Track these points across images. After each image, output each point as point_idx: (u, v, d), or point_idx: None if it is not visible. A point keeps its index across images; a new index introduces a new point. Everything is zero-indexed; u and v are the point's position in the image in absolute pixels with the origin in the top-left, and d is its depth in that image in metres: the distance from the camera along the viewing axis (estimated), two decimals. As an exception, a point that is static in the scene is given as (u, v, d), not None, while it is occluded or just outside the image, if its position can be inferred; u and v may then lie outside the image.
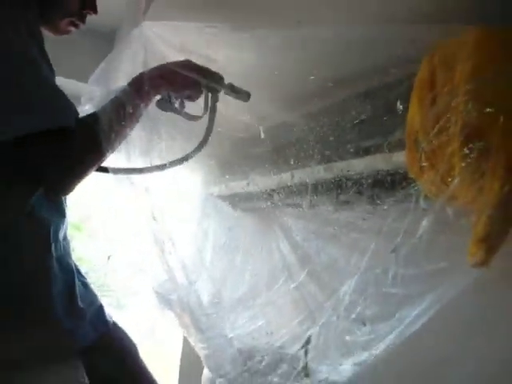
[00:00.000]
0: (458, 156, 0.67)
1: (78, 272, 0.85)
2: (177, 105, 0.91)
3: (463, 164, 0.67)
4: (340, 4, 0.87)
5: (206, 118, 0.94)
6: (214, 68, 0.96)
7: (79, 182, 0.72)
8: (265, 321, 0.95)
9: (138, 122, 0.81)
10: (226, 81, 0.94)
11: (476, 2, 0.83)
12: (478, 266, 0.73)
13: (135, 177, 0.88)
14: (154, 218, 0.92)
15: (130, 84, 0.81)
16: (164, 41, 0.97)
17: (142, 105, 0.80)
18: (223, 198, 1.47)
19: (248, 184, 1.30)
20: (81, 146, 0.70)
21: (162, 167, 0.87)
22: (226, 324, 0.93)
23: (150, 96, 0.83)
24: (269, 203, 1.27)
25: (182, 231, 1.07)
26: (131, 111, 0.77)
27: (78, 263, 0.89)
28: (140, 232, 0.95)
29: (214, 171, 1.49)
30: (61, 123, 0.67)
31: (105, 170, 0.81)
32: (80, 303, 0.78)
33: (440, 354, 0.95)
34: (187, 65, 0.87)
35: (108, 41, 1.59)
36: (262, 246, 1.29)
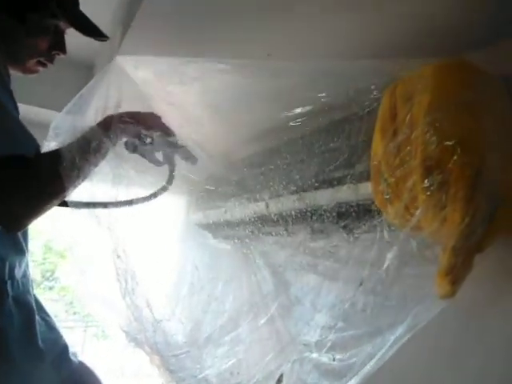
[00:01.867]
0: (420, 188, 0.68)
1: (42, 310, 0.82)
2: (147, 145, 0.92)
3: (425, 196, 0.67)
4: (306, 39, 0.89)
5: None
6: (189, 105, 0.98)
7: (35, 216, 0.70)
8: (236, 359, 0.93)
9: (103, 159, 0.81)
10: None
11: (436, 37, 0.86)
12: (445, 298, 0.73)
13: (101, 212, 0.87)
14: (118, 256, 0.91)
15: (98, 123, 0.81)
16: (136, 75, 0.99)
17: (108, 144, 0.80)
18: (203, 226, 1.46)
19: (225, 212, 1.30)
20: (40, 180, 0.69)
21: (128, 203, 0.87)
22: (195, 364, 0.90)
23: (117, 137, 0.83)
24: (247, 231, 1.27)
25: (151, 266, 1.05)
26: (97, 149, 0.77)
27: (61, 293, 0.87)
28: (106, 268, 0.93)
29: (192, 199, 1.49)
30: (19, 151, 0.67)
31: (65, 204, 0.81)
32: (40, 343, 0.76)
33: (413, 380, 0.93)
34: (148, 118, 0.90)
35: (89, 73, 1.61)
36: (242, 276, 1.27)
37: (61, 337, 0.84)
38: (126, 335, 0.93)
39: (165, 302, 1.06)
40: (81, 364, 0.88)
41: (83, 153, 0.75)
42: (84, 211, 0.85)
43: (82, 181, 0.77)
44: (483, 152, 0.67)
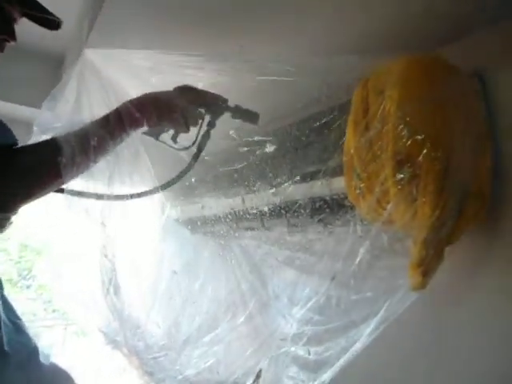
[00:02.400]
0: (391, 182, 0.69)
1: (11, 312, 0.80)
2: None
3: (396, 190, 0.68)
4: (279, 32, 0.88)
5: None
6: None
7: (24, 202, 0.69)
8: (215, 359, 0.93)
9: (105, 154, 0.79)
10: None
11: (407, 33, 0.87)
12: (417, 289, 0.74)
13: (92, 208, 0.86)
14: (106, 255, 0.90)
15: (110, 114, 0.79)
16: (106, 68, 0.96)
17: (116, 139, 0.79)
18: (180, 221, 1.45)
19: (202, 207, 1.29)
20: (29, 171, 0.69)
21: (123, 197, 0.85)
22: (174, 366, 0.89)
23: (132, 129, 0.82)
24: (225, 227, 1.26)
25: (133, 266, 1.03)
26: (98, 143, 0.75)
27: (39, 291, 0.86)
28: (89, 267, 0.92)
29: (170, 194, 1.47)
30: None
31: (61, 190, 0.79)
32: (6, 346, 0.74)
33: (390, 371, 0.95)
34: (185, 95, 0.87)
35: (59, 65, 1.57)
36: (221, 273, 1.26)
37: (30, 340, 0.82)
38: (104, 336, 0.92)
39: (143, 302, 1.05)
40: (53, 366, 0.86)
41: (83, 147, 0.73)
42: (75, 205, 0.84)
43: (79, 174, 0.76)
44: (452, 147, 0.68)
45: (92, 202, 0.88)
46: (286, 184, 0.93)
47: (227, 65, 0.86)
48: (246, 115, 0.92)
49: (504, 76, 0.83)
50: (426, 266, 0.72)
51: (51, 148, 0.72)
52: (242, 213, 1.11)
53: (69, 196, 0.84)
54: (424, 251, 0.71)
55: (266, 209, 1.03)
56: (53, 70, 1.52)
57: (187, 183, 1.34)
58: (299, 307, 0.79)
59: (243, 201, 1.09)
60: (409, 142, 0.67)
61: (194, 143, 0.93)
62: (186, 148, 0.94)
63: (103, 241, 0.89)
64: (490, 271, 0.82)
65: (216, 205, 1.20)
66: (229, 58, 0.90)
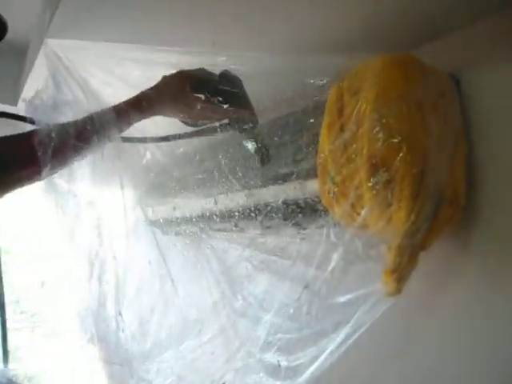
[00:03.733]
0: (366, 186, 0.66)
1: None
2: None
3: (370, 194, 0.66)
4: (252, 29, 0.84)
5: None
6: (125, 88, 0.91)
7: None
8: (175, 377, 0.89)
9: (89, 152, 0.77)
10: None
11: (383, 31, 0.85)
12: (391, 295, 0.73)
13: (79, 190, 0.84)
14: (99, 235, 0.87)
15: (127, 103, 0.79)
16: (68, 58, 0.91)
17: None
18: (152, 222, 1.40)
19: (174, 208, 1.24)
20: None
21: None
22: (132, 378, 0.85)
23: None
24: (197, 228, 1.22)
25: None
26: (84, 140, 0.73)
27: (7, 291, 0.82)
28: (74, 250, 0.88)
29: (142, 194, 1.42)
30: None
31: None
32: None
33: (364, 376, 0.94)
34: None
35: (21, 56, 1.48)
36: (192, 279, 1.22)
37: None
38: (80, 322, 0.87)
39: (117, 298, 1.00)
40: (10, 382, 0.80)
41: (66, 142, 0.72)
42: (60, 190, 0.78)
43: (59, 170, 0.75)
44: (428, 150, 0.66)
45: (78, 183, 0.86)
46: (258, 186, 0.90)
47: (198, 61, 0.82)
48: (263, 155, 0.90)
49: (479, 77, 0.82)
50: (401, 272, 0.70)
51: (27, 141, 0.70)
52: (214, 215, 1.07)
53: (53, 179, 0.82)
54: (398, 257, 0.69)
55: (239, 210, 1.00)
56: (15, 60, 1.44)
57: (159, 182, 1.29)
58: (271, 314, 0.76)
59: (216, 202, 1.05)
60: (384, 145, 0.64)
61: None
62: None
63: (94, 218, 0.86)
64: (463, 276, 0.81)
65: (188, 206, 1.16)
66: (200, 55, 0.86)
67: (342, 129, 0.70)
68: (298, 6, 0.79)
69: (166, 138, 0.96)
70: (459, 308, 0.81)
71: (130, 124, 0.83)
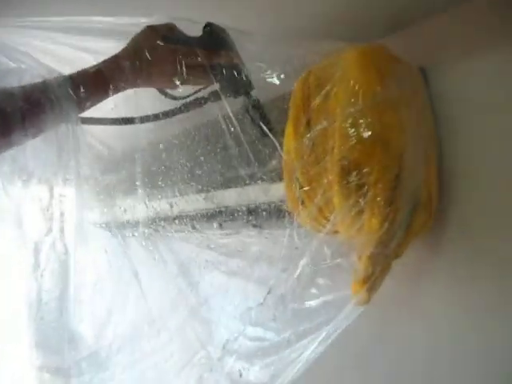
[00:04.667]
0: (335, 189, 0.60)
1: None
2: None
3: (340, 198, 0.59)
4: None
5: None
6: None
7: None
8: None
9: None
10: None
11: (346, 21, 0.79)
12: (361, 305, 0.67)
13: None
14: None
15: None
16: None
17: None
18: (99, 225, 1.27)
19: (125, 211, 1.13)
20: None
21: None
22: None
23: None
24: (151, 229, 1.12)
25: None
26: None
27: None
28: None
29: (87, 195, 1.28)
30: None
31: None
32: None
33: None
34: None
35: None
36: (146, 279, 1.11)
37: None
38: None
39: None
40: None
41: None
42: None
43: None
44: (404, 152, 0.60)
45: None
46: (218, 187, 0.81)
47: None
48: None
49: (448, 71, 0.78)
50: (372, 282, 0.65)
51: None
52: (169, 218, 0.98)
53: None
54: (370, 267, 0.63)
55: (196, 214, 0.91)
56: None
57: (107, 183, 1.18)
58: (232, 317, 0.69)
59: (171, 205, 0.95)
60: (357, 145, 0.58)
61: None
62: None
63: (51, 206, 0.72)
64: (434, 281, 0.77)
65: (140, 208, 1.05)
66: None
67: (308, 124, 0.63)
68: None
69: (133, 120, 0.74)
70: (431, 314, 0.77)
71: (92, 102, 0.63)
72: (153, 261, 1.04)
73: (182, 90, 0.68)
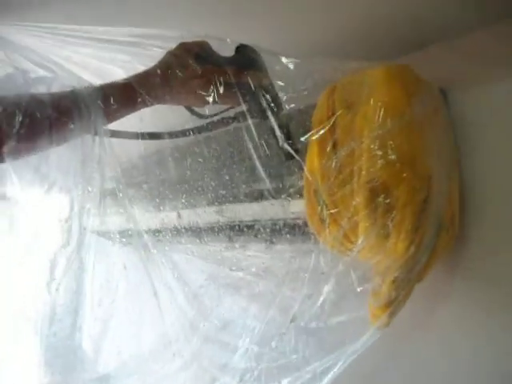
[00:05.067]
0: (363, 213, 0.58)
1: None
2: None
3: (367, 223, 0.58)
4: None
5: None
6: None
7: None
8: None
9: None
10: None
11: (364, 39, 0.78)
12: (381, 329, 0.66)
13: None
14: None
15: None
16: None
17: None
18: (100, 233, 1.24)
19: (128, 220, 1.10)
20: None
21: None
22: None
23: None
24: (156, 240, 1.09)
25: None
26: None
27: None
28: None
29: (89, 201, 1.25)
30: None
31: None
32: None
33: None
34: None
35: None
36: (149, 299, 1.07)
37: None
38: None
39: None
40: None
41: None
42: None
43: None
44: (431, 174, 0.59)
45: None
46: (233, 201, 0.79)
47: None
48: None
49: (467, 94, 0.78)
50: (395, 307, 0.64)
51: None
52: (176, 230, 0.95)
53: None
54: (394, 292, 0.62)
55: (206, 227, 0.89)
56: None
57: (109, 189, 1.14)
58: (252, 345, 0.67)
59: (179, 216, 0.93)
60: (386, 168, 0.57)
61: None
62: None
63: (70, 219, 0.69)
64: (450, 300, 0.77)
65: (145, 218, 1.02)
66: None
67: (335, 146, 0.62)
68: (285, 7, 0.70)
69: (161, 135, 0.73)
70: (446, 335, 0.76)
71: (120, 114, 0.62)
72: (172, 278, 1.00)
73: (208, 108, 0.66)
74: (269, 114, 0.66)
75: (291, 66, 0.66)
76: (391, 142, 0.57)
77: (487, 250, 0.73)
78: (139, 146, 0.96)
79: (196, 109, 0.69)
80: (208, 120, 0.70)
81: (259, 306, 0.72)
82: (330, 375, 0.64)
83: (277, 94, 0.65)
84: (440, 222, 0.63)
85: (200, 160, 0.84)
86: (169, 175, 0.96)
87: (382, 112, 0.58)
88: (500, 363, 0.70)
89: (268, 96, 0.65)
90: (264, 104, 0.65)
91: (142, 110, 0.63)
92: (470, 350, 0.72)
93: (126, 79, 0.61)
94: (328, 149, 0.62)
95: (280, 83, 0.68)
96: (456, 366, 0.75)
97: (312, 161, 0.64)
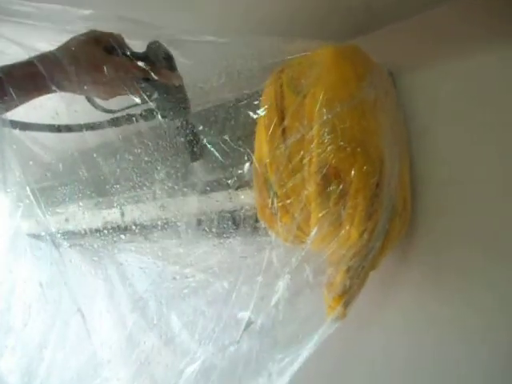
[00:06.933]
0: (315, 202, 0.55)
1: None
2: None
3: (320, 213, 0.55)
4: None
5: None
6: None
7: None
8: None
9: None
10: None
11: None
12: (338, 320, 0.64)
13: None
14: None
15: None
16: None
17: None
18: (37, 236, 1.13)
19: (67, 220, 1.01)
20: None
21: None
22: None
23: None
24: (99, 240, 1.01)
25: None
26: None
27: None
28: None
29: (22, 200, 1.14)
30: None
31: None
32: None
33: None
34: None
35: None
36: (94, 303, 0.99)
37: None
38: None
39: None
40: None
41: None
42: None
43: None
44: (383, 157, 0.57)
45: None
46: (178, 194, 0.74)
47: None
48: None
49: (415, 75, 0.77)
50: (350, 296, 0.62)
51: None
52: (120, 228, 0.88)
53: None
54: (348, 281, 0.60)
55: (151, 223, 0.82)
56: None
57: (46, 186, 1.04)
58: (203, 346, 0.62)
59: (122, 214, 0.86)
60: (338, 153, 0.54)
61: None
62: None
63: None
64: (404, 288, 0.76)
65: (85, 217, 0.94)
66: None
67: (284, 132, 0.58)
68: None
69: (69, 128, 0.70)
70: (401, 321, 0.76)
71: (16, 99, 0.56)
72: (102, 285, 0.92)
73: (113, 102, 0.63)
74: (176, 113, 0.65)
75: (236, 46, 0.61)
76: (342, 126, 0.54)
77: (439, 235, 0.72)
78: (79, 139, 0.88)
79: (100, 102, 0.66)
80: (117, 115, 0.68)
81: (210, 313, 0.67)
82: (287, 373, 0.61)
83: (186, 94, 0.65)
84: (392, 208, 0.61)
85: (138, 153, 0.77)
86: (108, 170, 0.88)
87: (330, 94, 0.55)
88: (468, 344, 0.69)
89: (177, 95, 0.64)
90: (172, 103, 0.64)
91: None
92: (432, 335, 0.72)
93: (29, 59, 0.55)
94: (277, 135, 0.58)
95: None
96: (417, 352, 0.74)
97: (260, 148, 0.60)
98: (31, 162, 0.92)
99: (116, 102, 0.68)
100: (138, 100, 0.64)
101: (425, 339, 0.72)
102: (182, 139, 0.68)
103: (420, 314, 0.73)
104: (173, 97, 0.64)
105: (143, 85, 0.61)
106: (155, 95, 0.63)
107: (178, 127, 0.69)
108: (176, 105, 0.65)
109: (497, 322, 0.66)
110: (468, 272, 0.69)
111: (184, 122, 0.68)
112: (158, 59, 0.62)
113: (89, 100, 0.66)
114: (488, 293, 0.66)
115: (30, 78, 0.55)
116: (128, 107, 0.67)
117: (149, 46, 0.63)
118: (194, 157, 0.69)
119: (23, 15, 0.63)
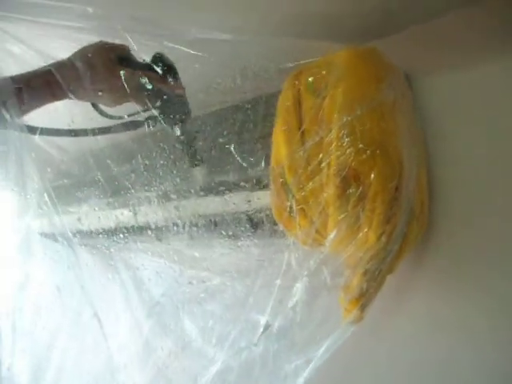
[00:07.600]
0: (334, 205, 0.55)
1: None
2: None
3: (340, 216, 0.55)
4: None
5: None
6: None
7: None
8: None
9: None
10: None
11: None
12: (354, 324, 0.64)
13: None
14: None
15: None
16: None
17: None
18: (48, 236, 1.14)
19: (79, 220, 1.01)
20: None
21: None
22: None
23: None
24: (112, 239, 1.01)
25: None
26: None
27: None
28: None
29: (32, 199, 1.14)
30: None
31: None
32: None
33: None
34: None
35: None
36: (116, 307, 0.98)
37: None
38: None
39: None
40: None
41: None
42: None
43: None
44: (402, 160, 0.57)
45: None
46: (194, 195, 0.74)
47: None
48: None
49: (432, 79, 0.77)
50: (366, 300, 0.62)
51: None
52: (133, 228, 0.88)
53: None
54: (365, 284, 0.60)
55: (165, 224, 0.82)
56: None
57: (59, 186, 1.05)
58: (215, 359, 0.62)
59: (135, 214, 0.86)
60: (356, 156, 0.53)
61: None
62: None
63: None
64: (417, 293, 0.75)
65: (98, 217, 0.94)
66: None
67: (303, 134, 0.58)
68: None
69: (76, 132, 0.73)
70: (412, 326, 0.75)
71: (32, 106, 0.60)
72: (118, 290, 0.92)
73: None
74: (178, 121, 0.69)
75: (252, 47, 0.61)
76: (361, 128, 0.54)
77: (456, 239, 0.72)
78: (91, 141, 0.89)
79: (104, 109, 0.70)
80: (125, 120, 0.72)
81: (227, 317, 0.67)
82: (303, 375, 0.61)
83: (187, 103, 0.69)
84: (411, 211, 0.61)
85: (154, 154, 0.77)
86: (122, 171, 0.88)
87: (349, 96, 0.55)
88: (477, 351, 0.69)
89: (179, 103, 0.68)
90: (174, 110, 0.68)
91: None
92: (445, 341, 0.71)
93: (47, 66, 0.58)
94: (296, 138, 0.58)
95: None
96: (424, 357, 0.74)
97: (278, 151, 0.60)
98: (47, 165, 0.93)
99: (116, 109, 0.71)
100: (141, 107, 0.68)
101: (433, 345, 0.72)
102: (179, 146, 0.72)
103: (429, 319, 0.72)
104: (175, 105, 0.68)
105: (149, 93, 0.65)
106: (158, 103, 0.67)
107: (177, 135, 0.72)
108: (177, 112, 0.69)
109: (508, 333, 0.65)
110: (482, 278, 0.68)
111: (184, 129, 0.71)
112: (162, 69, 0.66)
113: (94, 107, 0.69)
114: (502, 306, 0.65)
115: (47, 86, 0.58)
116: (133, 114, 0.70)
117: (154, 57, 0.67)
118: (193, 162, 0.72)
119: (28, 12, 0.64)
